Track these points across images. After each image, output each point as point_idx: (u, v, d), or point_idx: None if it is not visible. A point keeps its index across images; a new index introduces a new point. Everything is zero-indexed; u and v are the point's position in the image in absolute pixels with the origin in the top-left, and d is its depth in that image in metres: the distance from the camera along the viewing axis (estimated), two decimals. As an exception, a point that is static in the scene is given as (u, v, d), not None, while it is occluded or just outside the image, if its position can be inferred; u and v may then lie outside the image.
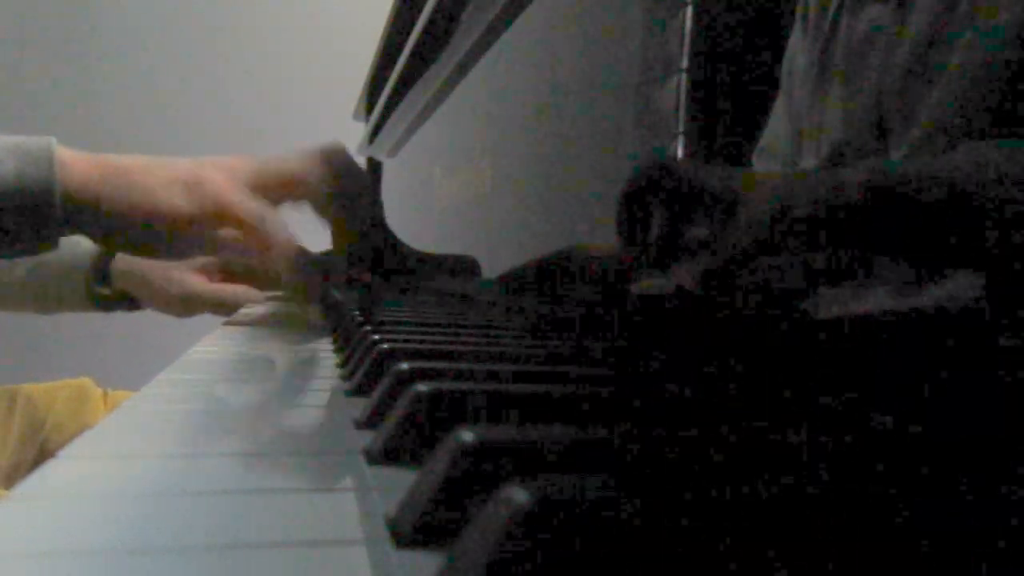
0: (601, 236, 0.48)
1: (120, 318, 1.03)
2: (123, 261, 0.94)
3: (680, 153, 0.41)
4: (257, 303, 0.92)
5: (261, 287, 0.97)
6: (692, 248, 0.33)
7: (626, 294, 0.43)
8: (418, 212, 1.07)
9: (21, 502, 0.22)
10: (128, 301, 0.97)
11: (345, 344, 0.56)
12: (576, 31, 0.57)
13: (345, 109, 1.69)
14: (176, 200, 0.63)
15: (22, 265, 0.95)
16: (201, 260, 0.91)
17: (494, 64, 0.76)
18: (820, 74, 0.38)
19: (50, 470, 0.25)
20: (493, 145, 0.73)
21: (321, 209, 0.69)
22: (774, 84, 0.43)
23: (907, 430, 0.25)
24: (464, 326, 0.60)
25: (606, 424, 0.27)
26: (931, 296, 0.27)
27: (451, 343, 0.48)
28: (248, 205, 0.64)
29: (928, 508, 0.16)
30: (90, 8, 2.11)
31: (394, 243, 1.13)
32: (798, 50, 0.41)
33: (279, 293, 1.07)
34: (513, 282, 0.64)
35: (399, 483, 0.23)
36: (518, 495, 0.15)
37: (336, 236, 0.70)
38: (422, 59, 0.97)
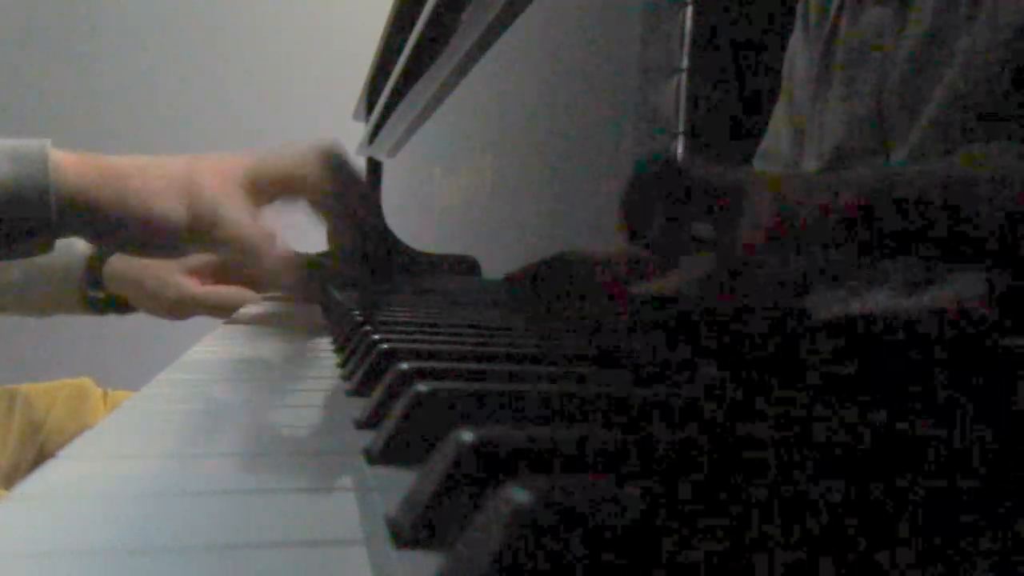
0: (601, 236, 0.48)
1: (120, 318, 1.02)
2: (116, 264, 0.93)
3: (680, 153, 0.41)
4: (252, 305, 0.92)
5: (256, 289, 0.96)
6: (697, 248, 0.33)
7: (627, 294, 0.43)
8: (418, 212, 1.07)
9: (21, 502, 0.22)
10: (121, 304, 0.97)
11: (345, 344, 0.56)
12: (576, 31, 0.57)
13: (345, 109, 1.69)
14: (172, 209, 0.63)
15: (16, 268, 0.95)
16: (193, 262, 0.90)
17: (494, 64, 0.76)
18: (821, 76, 0.38)
19: (50, 470, 0.25)
20: (493, 145, 0.73)
21: (318, 208, 0.68)
22: (774, 84, 0.43)
23: (916, 431, 0.25)
24: (464, 326, 0.60)
25: (607, 424, 0.27)
26: (936, 297, 0.27)
27: (451, 343, 0.48)
28: (241, 226, 0.64)
29: (932, 508, 0.16)
30: (90, 8, 2.11)
31: (394, 243, 1.13)
32: (798, 52, 0.41)
33: (277, 294, 1.07)
34: (514, 282, 0.64)
35: (399, 483, 0.23)
36: (518, 495, 0.15)
37: (333, 235, 0.70)
38: (422, 59, 0.97)
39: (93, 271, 0.94)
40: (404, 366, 0.34)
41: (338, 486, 0.25)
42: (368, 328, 0.51)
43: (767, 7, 0.44)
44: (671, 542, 0.15)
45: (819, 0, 0.40)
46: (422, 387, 0.28)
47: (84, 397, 1.18)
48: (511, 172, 0.68)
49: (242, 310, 0.92)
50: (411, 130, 1.13)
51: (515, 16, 0.69)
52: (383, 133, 1.28)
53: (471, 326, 0.59)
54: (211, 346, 0.61)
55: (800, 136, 0.39)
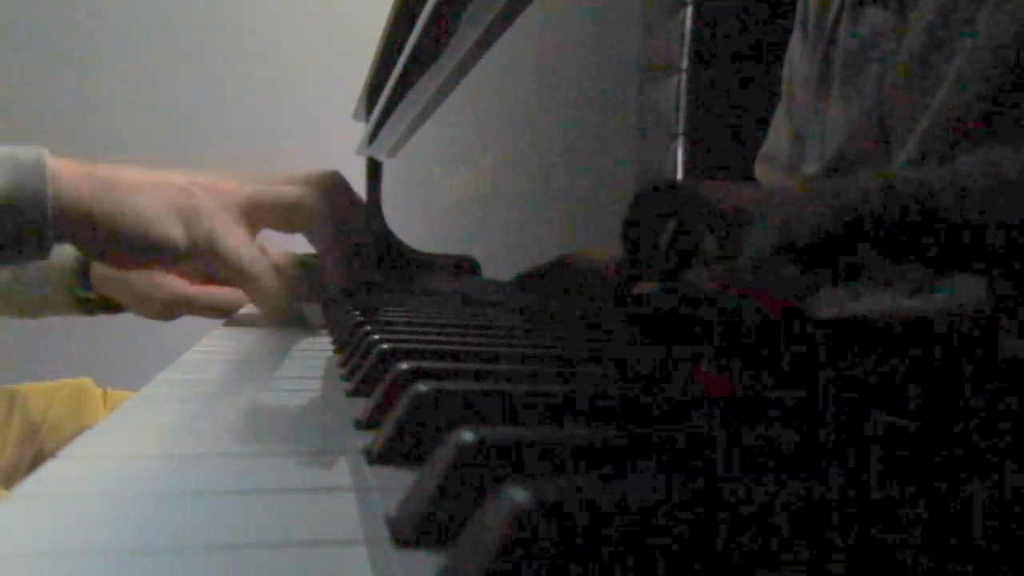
0: (601, 236, 0.48)
1: (120, 317, 1.02)
2: (104, 265, 0.93)
3: (680, 153, 0.41)
4: (240, 306, 0.91)
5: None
6: (702, 257, 0.33)
7: (627, 294, 0.43)
8: (418, 212, 1.07)
9: (21, 502, 0.22)
10: (111, 304, 0.97)
11: (345, 344, 0.56)
12: (576, 31, 0.57)
13: (345, 109, 1.69)
14: (168, 233, 0.63)
15: (4, 270, 0.94)
16: None
17: (494, 64, 0.76)
18: (821, 80, 0.38)
19: (50, 470, 0.25)
20: (493, 145, 0.73)
21: (317, 242, 0.69)
22: (775, 84, 0.43)
23: (918, 432, 0.25)
24: (464, 326, 0.60)
25: (607, 424, 0.27)
26: (940, 300, 0.27)
27: (451, 343, 0.48)
28: (239, 258, 0.64)
29: (935, 509, 0.16)
30: (90, 8, 2.11)
31: (394, 243, 1.13)
32: (798, 56, 0.41)
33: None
34: (515, 283, 0.64)
35: (399, 483, 0.23)
36: (518, 495, 0.15)
37: (327, 263, 0.70)
38: (422, 59, 0.97)
39: (82, 272, 0.94)
40: (404, 366, 0.34)
41: (338, 486, 0.25)
42: (368, 328, 0.51)
43: (768, 7, 0.44)
44: (671, 542, 0.15)
45: (818, 3, 0.40)
46: (422, 387, 0.28)
47: (84, 397, 1.18)
48: (511, 172, 0.68)
49: (242, 311, 0.92)
50: (411, 130, 1.13)
51: (515, 16, 0.69)
52: (383, 133, 1.28)
53: (471, 326, 0.59)
54: (211, 346, 0.61)
55: (801, 139, 0.39)
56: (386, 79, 1.15)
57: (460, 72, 0.85)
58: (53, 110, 2.01)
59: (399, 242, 1.16)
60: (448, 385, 0.28)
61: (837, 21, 0.38)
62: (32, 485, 0.23)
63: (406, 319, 0.64)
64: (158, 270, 0.73)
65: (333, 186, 0.69)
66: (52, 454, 0.26)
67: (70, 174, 0.61)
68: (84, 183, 0.62)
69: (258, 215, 0.66)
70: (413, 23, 0.95)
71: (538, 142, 0.63)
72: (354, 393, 0.40)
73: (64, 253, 0.93)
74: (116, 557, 0.18)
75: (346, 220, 0.68)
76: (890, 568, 0.15)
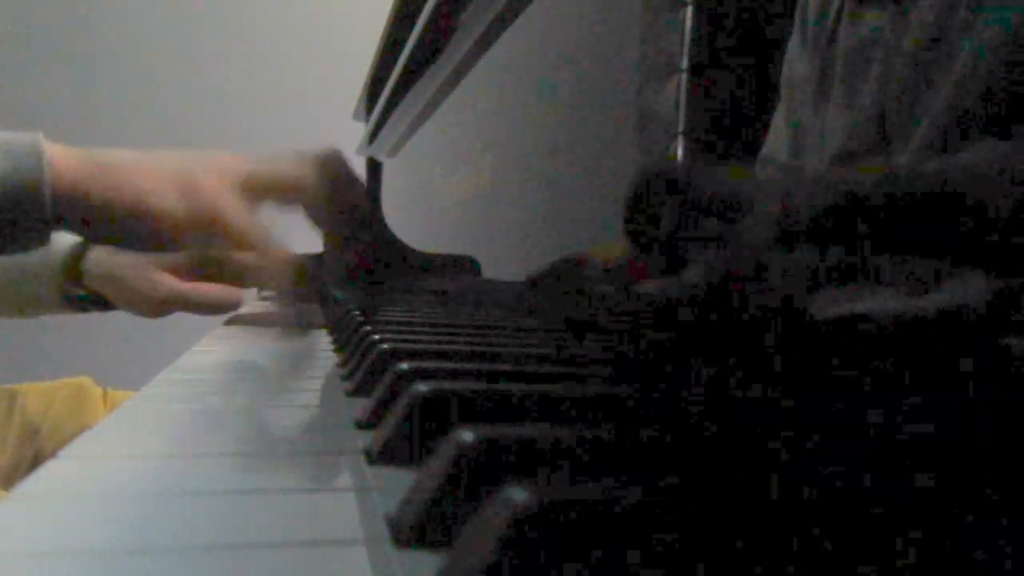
0: (600, 236, 0.48)
1: (119, 317, 1.02)
2: (95, 262, 0.93)
3: (680, 153, 0.41)
4: (234, 304, 0.91)
5: (241, 285, 0.95)
6: (702, 250, 0.33)
7: (628, 294, 0.43)
8: (418, 212, 1.07)
9: (21, 502, 0.22)
10: (101, 302, 0.96)
11: (345, 344, 0.56)
12: (576, 31, 0.57)
13: (345, 109, 1.69)
14: (168, 203, 0.63)
15: None
16: (170, 259, 0.90)
17: (494, 64, 0.76)
18: (820, 81, 0.38)
19: (50, 470, 0.25)
20: (493, 145, 0.73)
21: (315, 216, 0.68)
22: (774, 84, 0.43)
23: (919, 433, 0.25)
24: (464, 326, 0.60)
25: (607, 424, 0.27)
26: (944, 297, 0.27)
27: (451, 343, 0.48)
28: (239, 220, 0.63)
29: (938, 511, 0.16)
30: (90, 8, 2.11)
31: (394, 243, 1.13)
32: (797, 58, 0.41)
33: (274, 295, 1.06)
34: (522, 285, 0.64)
35: (399, 483, 0.23)
36: (518, 495, 0.15)
37: (329, 242, 0.69)
38: (422, 59, 0.97)
39: (72, 268, 0.93)
40: (404, 366, 0.34)
41: (338, 486, 0.25)
42: (368, 328, 0.51)
43: (768, 6, 0.44)
44: (671, 542, 0.15)
45: (817, 4, 0.40)
46: (422, 387, 0.28)
47: (83, 397, 1.18)
48: (511, 172, 0.68)
49: (242, 310, 0.92)
50: (411, 130, 1.13)
51: (515, 16, 0.69)
52: (383, 133, 1.28)
53: (471, 326, 0.59)
54: (211, 346, 0.61)
55: (801, 141, 0.39)
56: (386, 79, 1.15)
57: (460, 72, 0.85)
58: (53, 110, 2.01)
59: (399, 242, 1.16)
60: (448, 385, 0.28)
61: (837, 22, 0.38)
62: (32, 485, 0.23)
63: (406, 319, 0.64)
64: (159, 251, 0.73)
65: (333, 163, 0.68)
66: (52, 454, 0.26)
67: (66, 158, 0.61)
68: (81, 165, 0.61)
69: (258, 189, 0.66)
70: (413, 23, 0.95)
71: (538, 142, 0.63)
72: (354, 393, 0.40)
73: (55, 250, 0.93)
74: (116, 557, 0.18)
75: (345, 197, 0.68)
76: (896, 568, 0.15)
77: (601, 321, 0.48)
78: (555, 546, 0.15)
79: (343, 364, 0.50)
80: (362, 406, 0.35)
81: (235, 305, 0.90)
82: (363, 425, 0.32)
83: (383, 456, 0.27)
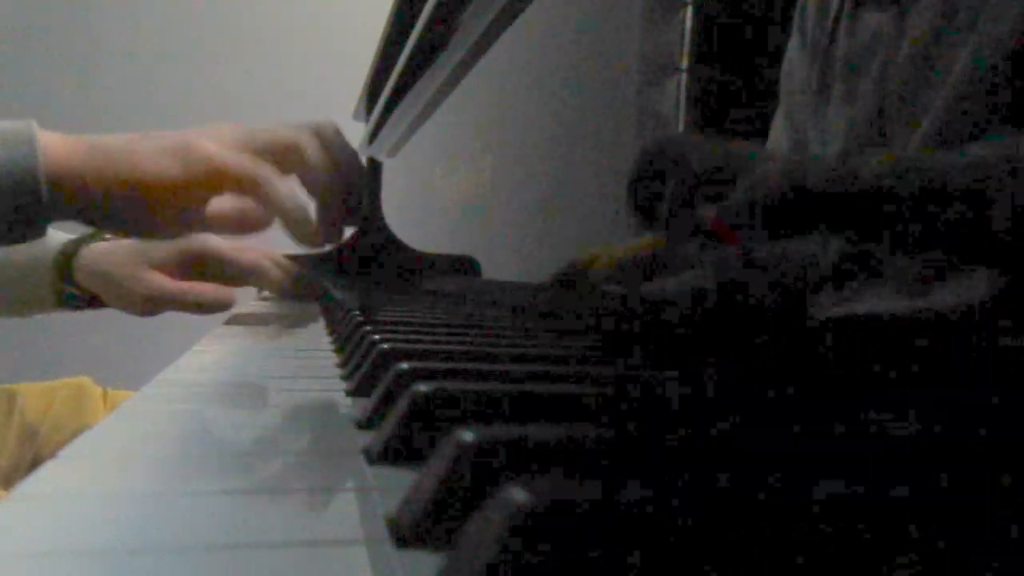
0: (600, 236, 0.48)
1: (119, 317, 1.02)
2: (86, 260, 0.93)
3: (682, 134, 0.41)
4: (226, 303, 0.91)
5: (232, 285, 0.95)
6: (703, 244, 0.33)
7: (628, 294, 0.43)
8: (418, 212, 1.07)
9: (21, 502, 0.22)
10: (93, 300, 0.96)
11: (345, 344, 0.56)
12: (576, 31, 0.57)
13: (345, 109, 1.69)
14: (164, 167, 0.62)
15: None
16: (161, 258, 0.89)
17: (494, 64, 0.76)
18: (820, 83, 0.38)
19: (50, 470, 0.25)
20: (493, 145, 0.73)
21: (311, 184, 0.68)
22: (774, 84, 0.43)
23: (918, 433, 0.25)
24: (464, 326, 0.60)
25: (607, 424, 0.27)
26: (945, 295, 0.27)
27: (451, 343, 0.48)
28: (240, 161, 0.63)
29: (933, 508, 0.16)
30: (90, 8, 2.11)
31: (394, 243, 1.13)
32: (797, 59, 0.41)
33: (273, 296, 1.06)
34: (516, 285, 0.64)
35: (399, 483, 0.23)
36: (518, 495, 0.15)
37: (323, 212, 0.68)
38: (422, 59, 0.97)
39: (64, 266, 0.93)
40: (404, 366, 0.34)
41: (338, 486, 0.25)
42: (368, 328, 0.51)
43: (768, 6, 0.44)
44: (670, 542, 0.15)
45: (816, 5, 0.40)
46: (422, 387, 0.28)
47: (83, 397, 1.18)
48: (511, 172, 0.68)
49: (241, 310, 0.92)
50: (411, 130, 1.13)
51: (515, 16, 0.69)
52: (383, 133, 1.28)
53: (471, 326, 0.59)
54: (211, 346, 0.61)
55: (800, 143, 0.39)
56: (386, 79, 1.15)
57: (460, 72, 0.85)
58: (53, 110, 2.01)
59: (399, 242, 1.16)
60: (448, 385, 0.28)
61: (836, 23, 0.38)
62: (32, 485, 0.23)
63: (406, 319, 0.64)
64: (161, 236, 0.72)
65: (328, 129, 0.69)
66: (52, 454, 0.26)
67: (59, 142, 0.61)
68: (75, 149, 0.61)
69: (254, 151, 0.66)
70: (413, 23, 0.95)
71: (538, 142, 0.63)
72: (354, 393, 0.40)
73: (47, 248, 0.93)
74: (116, 557, 0.18)
75: (340, 160, 0.68)
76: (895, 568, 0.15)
77: (604, 320, 0.48)
78: (555, 546, 0.15)
79: (343, 364, 0.50)
80: (362, 406, 0.35)
81: (227, 305, 0.90)
82: (363, 425, 0.32)
83: (383, 456, 0.27)
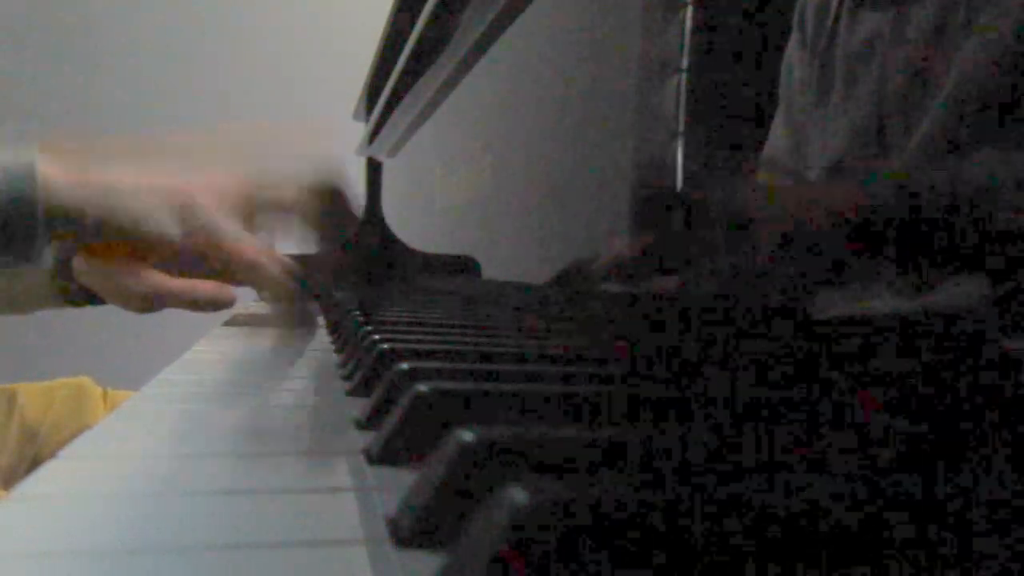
0: (601, 236, 0.48)
1: (118, 317, 1.02)
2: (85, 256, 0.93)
3: (680, 153, 0.41)
4: (226, 301, 0.91)
5: (231, 282, 0.95)
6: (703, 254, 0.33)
7: (628, 294, 0.43)
8: (418, 212, 1.07)
9: (21, 502, 0.22)
10: (92, 296, 0.96)
11: (345, 344, 0.56)
12: (576, 31, 0.57)
13: (345, 109, 1.69)
14: (164, 227, 0.63)
15: None
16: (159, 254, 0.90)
17: (494, 64, 0.76)
18: (819, 83, 0.38)
19: (50, 470, 0.25)
20: (494, 145, 0.73)
21: (310, 229, 0.68)
22: (775, 84, 0.43)
23: (918, 432, 0.25)
24: (464, 326, 0.60)
25: (607, 424, 0.27)
26: (943, 299, 0.27)
27: (451, 343, 0.48)
28: (238, 245, 0.63)
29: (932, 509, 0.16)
30: (90, 8, 2.11)
31: (394, 243, 1.13)
32: (796, 59, 0.41)
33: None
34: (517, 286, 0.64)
35: (399, 483, 0.23)
36: (518, 495, 0.15)
37: (323, 248, 0.69)
38: (422, 59, 0.97)
39: (64, 263, 0.93)
40: (404, 366, 0.34)
41: (338, 486, 0.25)
42: (368, 328, 0.51)
43: (768, 6, 0.44)
44: (671, 542, 0.15)
45: (815, 8, 0.40)
46: (422, 387, 0.28)
47: (83, 397, 1.18)
48: (511, 172, 0.68)
49: (241, 310, 0.92)
50: (411, 130, 1.13)
51: (515, 16, 0.69)
52: (383, 133, 1.28)
53: (471, 326, 0.59)
54: (211, 346, 0.61)
55: (800, 143, 0.39)
56: (386, 79, 1.15)
57: (460, 72, 0.85)
58: (53, 110, 2.01)
59: (399, 242, 1.16)
60: (448, 385, 0.28)
61: (836, 23, 0.38)
62: (32, 485, 0.23)
63: (406, 319, 0.64)
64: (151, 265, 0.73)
65: (330, 187, 0.69)
66: (52, 454, 0.26)
67: (61, 179, 0.61)
68: (76, 188, 0.61)
69: (255, 212, 0.66)
70: (413, 23, 0.95)
71: (538, 142, 0.63)
72: (354, 393, 0.40)
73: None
74: (116, 557, 0.18)
75: (340, 219, 0.68)
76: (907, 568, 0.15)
77: (604, 321, 0.48)
78: (555, 545, 0.15)
79: (343, 364, 0.50)
80: (362, 406, 0.35)
81: (227, 303, 0.90)
82: (363, 425, 0.32)
83: (383, 456, 0.27)
